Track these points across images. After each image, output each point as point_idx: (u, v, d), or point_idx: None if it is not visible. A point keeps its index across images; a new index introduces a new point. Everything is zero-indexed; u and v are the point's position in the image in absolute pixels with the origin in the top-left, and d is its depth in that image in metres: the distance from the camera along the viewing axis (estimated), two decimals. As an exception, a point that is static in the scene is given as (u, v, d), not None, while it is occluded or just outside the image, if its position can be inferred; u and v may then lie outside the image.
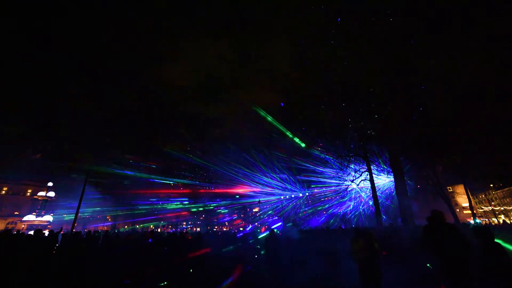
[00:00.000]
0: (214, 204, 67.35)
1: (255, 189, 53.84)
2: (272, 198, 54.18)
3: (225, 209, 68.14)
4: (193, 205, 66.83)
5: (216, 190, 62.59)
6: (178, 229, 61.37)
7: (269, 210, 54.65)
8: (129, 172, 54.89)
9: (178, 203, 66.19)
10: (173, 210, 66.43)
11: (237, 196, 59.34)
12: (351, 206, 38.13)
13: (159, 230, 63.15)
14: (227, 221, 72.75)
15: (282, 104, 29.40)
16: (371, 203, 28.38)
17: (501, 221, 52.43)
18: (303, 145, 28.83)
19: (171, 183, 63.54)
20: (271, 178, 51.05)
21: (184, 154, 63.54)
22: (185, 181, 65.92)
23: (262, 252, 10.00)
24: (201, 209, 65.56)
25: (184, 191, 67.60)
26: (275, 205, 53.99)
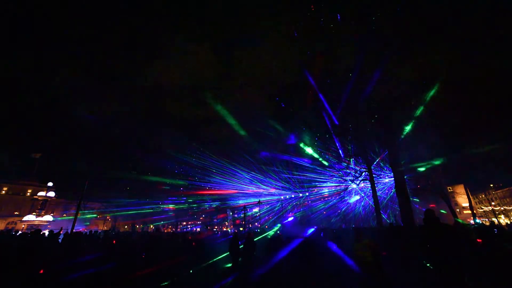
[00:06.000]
0: (214, 204, 67.45)
1: (254, 190, 53.83)
2: (272, 198, 54.14)
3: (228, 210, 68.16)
4: (193, 206, 66.88)
5: (215, 191, 62.65)
6: (178, 229, 61.35)
7: (268, 211, 54.58)
8: (128, 173, 54.94)
9: (176, 203, 66.28)
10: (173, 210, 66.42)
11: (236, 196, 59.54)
12: (351, 206, 38.09)
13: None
14: (227, 220, 72.71)
15: (282, 104, 29.27)
16: (371, 203, 28.39)
17: (501, 221, 52.42)
18: (301, 144, 28.76)
19: (168, 183, 63.79)
20: (270, 178, 51.02)
21: (181, 155, 63.72)
22: (184, 182, 66.06)
23: None
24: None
25: (184, 192, 67.74)
26: (275, 205, 53.96)
